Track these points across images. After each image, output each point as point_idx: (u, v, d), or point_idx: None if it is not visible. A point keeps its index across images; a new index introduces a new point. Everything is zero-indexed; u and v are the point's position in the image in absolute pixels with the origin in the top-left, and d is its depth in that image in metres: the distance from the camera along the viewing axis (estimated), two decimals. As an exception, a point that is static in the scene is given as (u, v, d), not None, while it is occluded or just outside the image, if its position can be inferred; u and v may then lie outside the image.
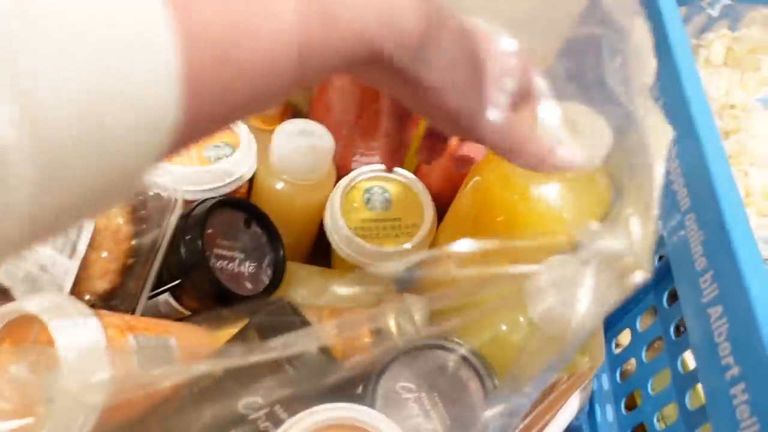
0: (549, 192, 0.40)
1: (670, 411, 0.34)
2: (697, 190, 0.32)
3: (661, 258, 0.38)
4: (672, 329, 0.35)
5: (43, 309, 0.32)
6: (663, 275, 0.36)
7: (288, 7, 0.21)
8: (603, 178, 0.40)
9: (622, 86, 0.30)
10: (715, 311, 0.28)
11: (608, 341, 0.41)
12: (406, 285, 0.53)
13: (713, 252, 0.30)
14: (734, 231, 0.29)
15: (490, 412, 0.34)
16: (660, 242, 0.36)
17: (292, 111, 0.54)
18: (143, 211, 0.40)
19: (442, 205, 0.50)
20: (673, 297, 0.37)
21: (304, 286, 0.48)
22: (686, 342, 0.33)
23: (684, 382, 0.33)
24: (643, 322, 0.38)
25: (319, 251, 0.54)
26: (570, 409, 0.35)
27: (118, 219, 0.39)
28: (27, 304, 0.32)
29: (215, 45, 0.19)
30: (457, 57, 0.28)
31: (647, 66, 0.28)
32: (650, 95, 0.28)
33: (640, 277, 0.26)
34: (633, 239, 0.29)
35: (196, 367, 0.31)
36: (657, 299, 0.37)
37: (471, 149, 0.44)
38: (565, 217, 0.40)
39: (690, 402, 0.32)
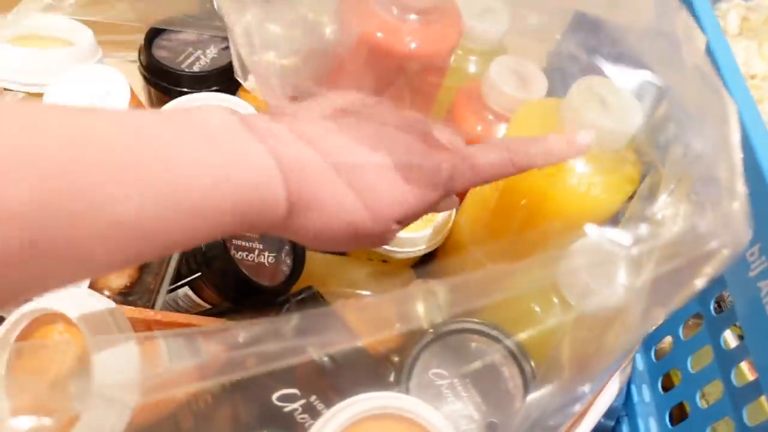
0: (575, 172, 0.39)
1: (713, 389, 0.34)
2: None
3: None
4: (712, 306, 0.34)
5: (68, 305, 0.30)
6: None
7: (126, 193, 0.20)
8: (630, 154, 0.39)
9: (661, 58, 0.29)
10: (766, 285, 0.28)
11: (640, 320, 0.40)
12: (425, 271, 0.52)
13: (759, 224, 0.29)
14: (782, 201, 0.28)
15: (533, 397, 0.33)
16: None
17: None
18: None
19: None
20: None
21: (321, 276, 0.47)
22: (729, 318, 0.32)
23: (728, 359, 0.32)
24: (677, 300, 0.38)
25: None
26: (610, 392, 0.34)
27: (135, 212, 0.38)
28: (50, 301, 0.31)
29: None
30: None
31: (697, 38, 0.27)
32: (707, 65, 0.27)
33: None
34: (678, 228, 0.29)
35: (230, 362, 0.30)
36: (693, 275, 0.36)
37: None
38: (593, 197, 0.39)
39: (736, 379, 0.31)
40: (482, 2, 0.50)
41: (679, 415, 0.36)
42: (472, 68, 0.51)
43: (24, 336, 0.32)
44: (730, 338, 0.33)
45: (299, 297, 0.35)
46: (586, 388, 0.27)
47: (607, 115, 0.37)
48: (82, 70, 0.44)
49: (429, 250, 0.46)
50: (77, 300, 0.31)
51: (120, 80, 0.44)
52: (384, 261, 0.48)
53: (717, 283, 0.34)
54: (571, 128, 0.38)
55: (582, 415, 0.34)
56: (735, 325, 0.32)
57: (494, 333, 0.37)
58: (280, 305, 0.36)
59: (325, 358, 0.33)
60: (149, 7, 0.49)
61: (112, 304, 0.32)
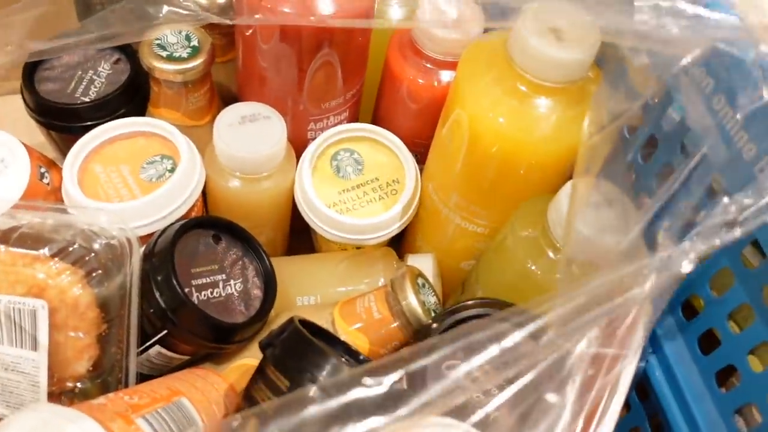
0: (540, 110, 0.35)
1: (745, 312, 0.31)
2: None
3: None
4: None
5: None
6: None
7: None
8: (595, 86, 0.35)
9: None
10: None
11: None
12: (402, 246, 0.49)
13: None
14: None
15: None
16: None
17: (221, 95, 0.47)
18: (98, 270, 0.34)
19: (417, 149, 0.45)
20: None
21: (298, 284, 0.43)
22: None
23: (752, 280, 0.30)
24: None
25: (297, 233, 0.49)
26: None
27: (73, 290, 0.33)
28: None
29: None
30: None
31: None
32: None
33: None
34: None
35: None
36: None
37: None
38: (564, 131, 0.35)
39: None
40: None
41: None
42: (396, 13, 0.46)
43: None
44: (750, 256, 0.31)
45: (282, 336, 0.31)
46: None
47: (562, 46, 0.32)
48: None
49: (403, 227, 0.42)
50: (34, 423, 0.27)
51: (16, 147, 0.38)
52: (358, 247, 0.44)
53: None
54: (524, 65, 0.34)
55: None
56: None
57: (503, 315, 0.34)
58: (265, 347, 0.32)
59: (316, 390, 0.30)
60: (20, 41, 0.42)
61: (78, 414, 0.28)
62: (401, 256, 0.45)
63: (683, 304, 0.35)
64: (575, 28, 0.32)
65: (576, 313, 0.30)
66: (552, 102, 0.35)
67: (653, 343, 0.36)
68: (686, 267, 0.29)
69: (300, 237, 0.49)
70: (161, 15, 0.40)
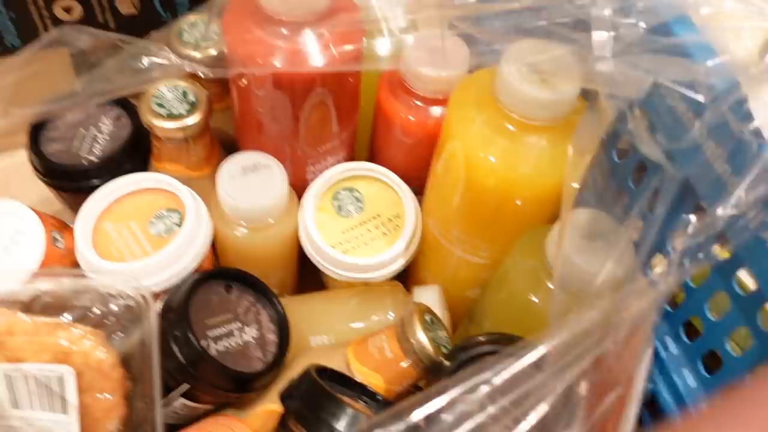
0: (530, 148, 0.36)
1: (743, 333, 0.33)
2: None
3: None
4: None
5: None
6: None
7: None
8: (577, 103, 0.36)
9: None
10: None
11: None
12: (408, 278, 0.50)
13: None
14: None
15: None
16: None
17: (221, 140, 0.48)
18: (118, 331, 0.36)
19: (414, 184, 0.46)
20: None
21: (313, 325, 0.44)
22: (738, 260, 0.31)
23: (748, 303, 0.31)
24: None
25: (305, 267, 0.50)
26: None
27: (96, 353, 0.35)
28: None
29: None
30: None
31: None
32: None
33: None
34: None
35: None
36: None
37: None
38: (556, 165, 0.36)
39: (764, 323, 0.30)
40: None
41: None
42: (383, 49, 0.47)
43: None
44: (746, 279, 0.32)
45: (300, 387, 0.33)
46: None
47: (546, 86, 0.33)
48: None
49: (408, 262, 0.44)
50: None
51: (29, 217, 0.40)
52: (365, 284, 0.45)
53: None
54: (511, 106, 0.35)
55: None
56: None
57: (510, 350, 0.35)
58: (284, 400, 0.33)
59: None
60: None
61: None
62: (408, 287, 0.47)
63: (685, 324, 0.36)
64: (558, 67, 0.33)
65: (575, 342, 0.32)
66: (542, 139, 0.36)
67: (658, 364, 0.37)
68: (667, 288, 0.30)
69: (309, 270, 0.51)
70: (145, 67, 0.41)
